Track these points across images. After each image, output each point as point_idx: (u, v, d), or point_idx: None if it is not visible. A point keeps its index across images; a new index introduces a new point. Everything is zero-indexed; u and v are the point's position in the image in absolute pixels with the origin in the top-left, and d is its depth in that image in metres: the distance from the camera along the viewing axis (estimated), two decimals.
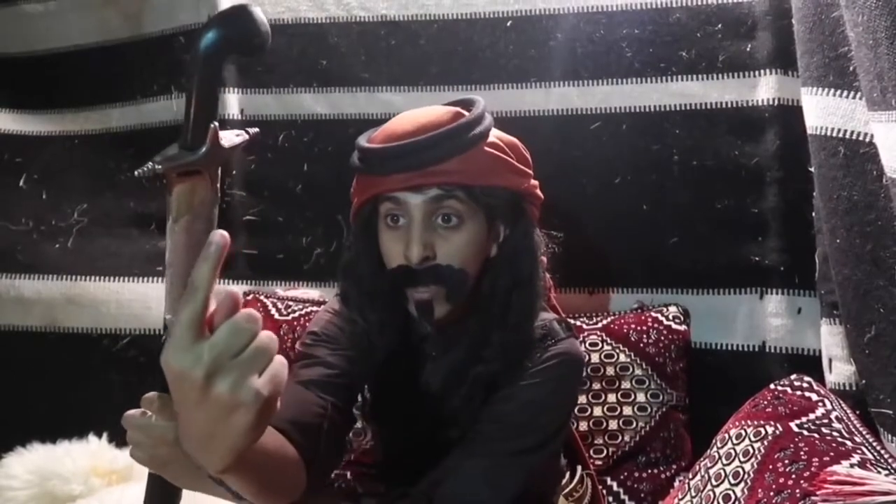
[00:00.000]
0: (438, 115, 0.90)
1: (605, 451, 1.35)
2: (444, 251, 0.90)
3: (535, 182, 0.98)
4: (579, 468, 1.17)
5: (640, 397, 1.35)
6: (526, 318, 0.95)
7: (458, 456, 0.92)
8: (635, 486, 1.33)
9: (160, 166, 0.63)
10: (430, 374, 1.02)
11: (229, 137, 0.68)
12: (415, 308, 0.92)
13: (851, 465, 0.86)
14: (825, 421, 0.99)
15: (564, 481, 1.14)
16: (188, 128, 0.64)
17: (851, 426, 1.02)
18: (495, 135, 0.93)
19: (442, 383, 1.00)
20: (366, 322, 0.97)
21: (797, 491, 0.84)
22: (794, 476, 0.86)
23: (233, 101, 1.64)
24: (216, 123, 0.65)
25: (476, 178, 0.89)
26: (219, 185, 0.67)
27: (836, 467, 0.85)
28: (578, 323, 1.41)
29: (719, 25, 1.46)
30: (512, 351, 0.94)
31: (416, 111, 0.93)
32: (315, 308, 1.52)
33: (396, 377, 1.01)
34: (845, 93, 1.12)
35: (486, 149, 0.90)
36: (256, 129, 0.72)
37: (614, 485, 1.33)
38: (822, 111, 1.17)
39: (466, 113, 0.91)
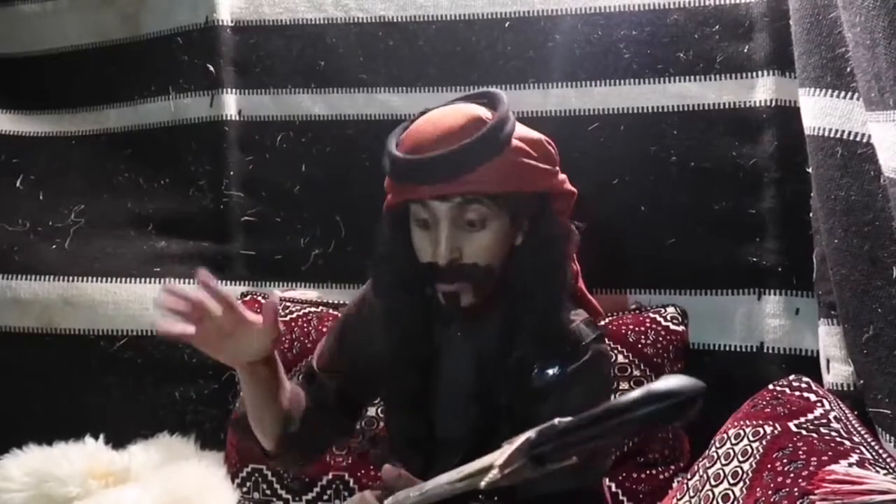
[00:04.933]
0: (463, 120, 0.92)
1: None
2: (470, 251, 0.94)
3: (562, 177, 1.01)
4: None
5: None
6: (553, 303, 0.98)
7: None
8: (634, 486, 1.33)
9: None
10: (457, 360, 1.03)
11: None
12: (442, 298, 0.96)
13: (850, 465, 0.86)
14: (823, 421, 0.99)
15: None
16: None
17: (850, 426, 1.02)
18: (519, 135, 0.95)
19: (470, 371, 1.02)
20: (393, 308, 1.01)
21: (795, 490, 0.84)
22: (792, 475, 0.86)
23: (230, 102, 1.64)
24: None
25: (499, 185, 0.92)
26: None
27: (834, 466, 0.85)
28: None
29: (717, 27, 1.46)
30: (544, 336, 0.97)
31: (441, 113, 0.95)
32: (313, 309, 1.51)
33: (417, 366, 1.03)
34: (843, 93, 1.12)
35: (510, 155, 0.93)
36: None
37: (613, 485, 1.32)
38: (820, 112, 1.17)
39: (489, 115, 0.94)
